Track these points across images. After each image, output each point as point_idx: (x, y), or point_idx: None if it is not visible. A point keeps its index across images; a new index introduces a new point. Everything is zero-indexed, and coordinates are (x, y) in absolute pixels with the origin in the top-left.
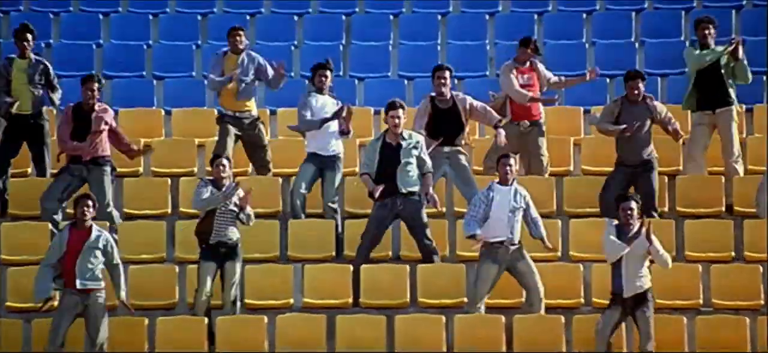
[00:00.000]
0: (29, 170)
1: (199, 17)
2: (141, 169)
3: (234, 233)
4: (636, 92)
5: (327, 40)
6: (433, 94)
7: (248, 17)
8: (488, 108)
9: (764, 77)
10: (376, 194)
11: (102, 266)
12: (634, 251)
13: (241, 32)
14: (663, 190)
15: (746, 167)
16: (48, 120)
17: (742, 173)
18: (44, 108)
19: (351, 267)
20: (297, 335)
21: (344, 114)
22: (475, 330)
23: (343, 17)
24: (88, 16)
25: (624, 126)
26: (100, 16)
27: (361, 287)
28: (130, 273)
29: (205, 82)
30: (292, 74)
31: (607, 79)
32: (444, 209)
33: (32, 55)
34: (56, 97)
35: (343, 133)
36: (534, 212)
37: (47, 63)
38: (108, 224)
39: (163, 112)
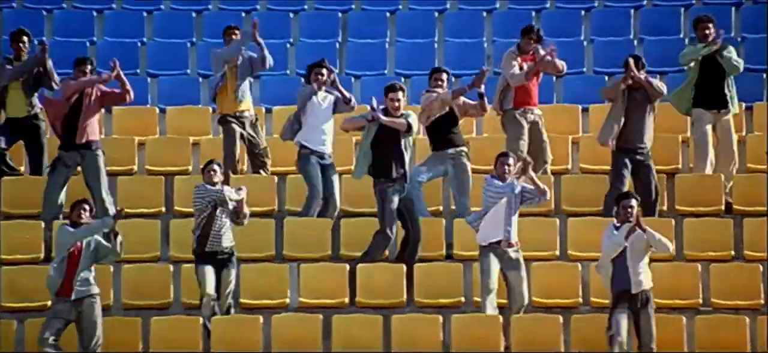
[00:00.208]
0: (22, 167)
1: (193, 14)
2: (135, 167)
3: (229, 241)
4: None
5: (323, 37)
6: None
7: (243, 14)
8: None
9: (764, 75)
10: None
11: (93, 272)
12: (635, 246)
13: (237, 31)
14: (662, 189)
15: (746, 165)
16: (44, 120)
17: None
18: (38, 108)
19: (347, 267)
20: (293, 335)
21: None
22: (473, 330)
23: (340, 14)
24: (81, 13)
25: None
26: (94, 13)
27: (358, 286)
28: (124, 272)
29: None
30: (288, 72)
31: (606, 77)
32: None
33: (27, 58)
34: (54, 82)
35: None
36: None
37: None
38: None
39: (157, 110)
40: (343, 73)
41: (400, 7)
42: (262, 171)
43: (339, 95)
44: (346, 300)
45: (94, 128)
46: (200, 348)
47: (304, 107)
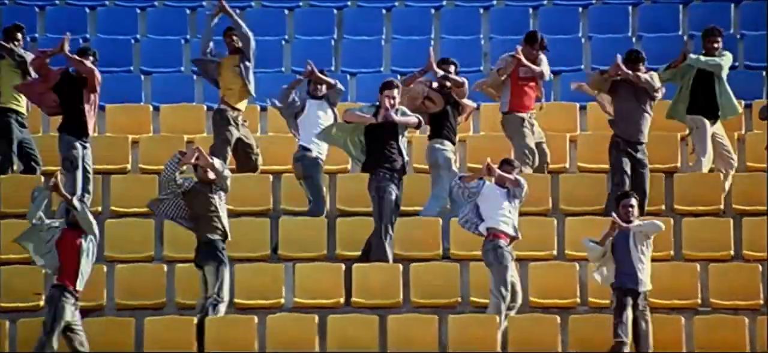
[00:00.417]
0: (15, 166)
1: (187, 11)
2: (129, 166)
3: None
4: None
5: (318, 34)
6: (436, 84)
7: (238, 12)
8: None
9: (763, 73)
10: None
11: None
12: (636, 239)
13: (236, 36)
14: (660, 188)
15: (745, 164)
16: (13, 114)
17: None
18: (25, 113)
19: (343, 266)
20: (288, 335)
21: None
22: (469, 330)
23: (335, 11)
24: (74, 10)
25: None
26: (87, 10)
27: (354, 286)
28: (117, 272)
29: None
30: (283, 69)
31: None
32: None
33: (21, 51)
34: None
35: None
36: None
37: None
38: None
39: (151, 108)
40: (339, 71)
41: (396, 3)
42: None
43: (327, 89)
44: (342, 299)
45: (91, 118)
46: (194, 349)
47: (302, 114)
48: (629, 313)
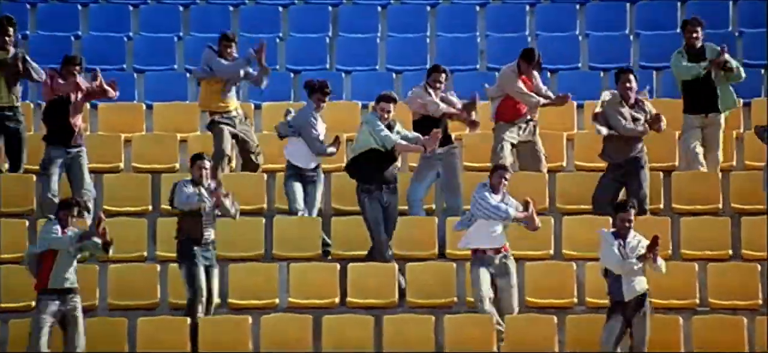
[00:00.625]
0: (6, 166)
1: (180, 8)
2: (121, 165)
3: (212, 234)
4: (628, 86)
5: (313, 31)
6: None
7: (231, 8)
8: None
9: (763, 71)
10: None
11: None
12: (633, 257)
13: (233, 44)
14: (658, 187)
15: (744, 163)
16: (24, 115)
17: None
18: (19, 105)
19: (338, 266)
20: (282, 335)
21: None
22: (465, 330)
23: (330, 8)
24: (66, 7)
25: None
26: (79, 7)
27: (349, 286)
28: (109, 272)
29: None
30: (278, 67)
31: (601, 73)
32: (433, 207)
33: (12, 49)
34: (37, 75)
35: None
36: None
37: (25, 54)
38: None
39: (144, 106)
40: (334, 69)
41: (392, 1)
42: (253, 168)
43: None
44: (337, 299)
45: (81, 128)
46: (188, 349)
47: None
48: (617, 323)
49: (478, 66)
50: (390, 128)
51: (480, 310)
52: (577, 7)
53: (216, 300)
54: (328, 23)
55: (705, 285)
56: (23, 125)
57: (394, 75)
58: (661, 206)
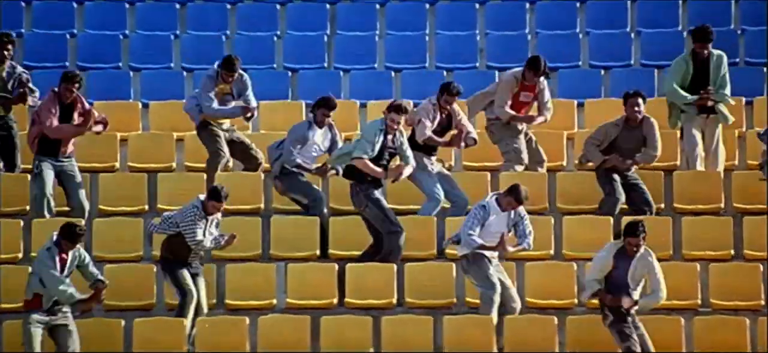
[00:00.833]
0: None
1: (177, 6)
2: (117, 164)
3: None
4: (636, 109)
5: (311, 30)
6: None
7: (229, 6)
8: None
9: (765, 69)
10: (390, 177)
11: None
12: (634, 276)
13: (235, 73)
14: (660, 187)
15: (746, 162)
16: (16, 121)
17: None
18: (11, 112)
19: (336, 266)
20: (280, 336)
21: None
22: (465, 331)
23: (328, 6)
24: (61, 5)
25: (611, 157)
26: (74, 5)
27: (347, 287)
28: (105, 272)
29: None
30: (275, 66)
31: (602, 71)
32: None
33: (8, 64)
34: (32, 99)
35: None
36: (527, 226)
37: (24, 72)
38: (82, 219)
39: (140, 105)
40: (332, 67)
41: None
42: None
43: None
44: (335, 300)
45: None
46: (184, 350)
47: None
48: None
49: (477, 64)
50: (394, 140)
51: (489, 299)
52: (578, 4)
53: (204, 309)
54: (325, 21)
55: (706, 285)
56: (15, 129)
57: (392, 74)
58: (663, 205)
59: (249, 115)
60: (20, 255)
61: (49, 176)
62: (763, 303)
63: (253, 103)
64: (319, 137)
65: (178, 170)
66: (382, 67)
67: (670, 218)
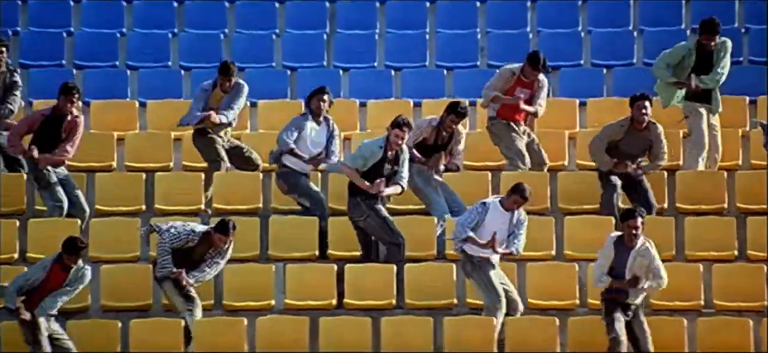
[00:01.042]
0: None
1: (175, 4)
2: (114, 163)
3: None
4: (644, 112)
5: (310, 28)
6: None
7: (227, 4)
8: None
9: (766, 68)
10: (380, 189)
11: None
12: (634, 268)
13: (232, 78)
14: (662, 186)
15: (749, 162)
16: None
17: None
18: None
19: (335, 267)
20: (278, 337)
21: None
22: (465, 332)
23: (327, 4)
24: (57, 3)
25: (615, 162)
26: (71, 3)
27: (346, 287)
28: (102, 272)
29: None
30: (273, 64)
31: (604, 70)
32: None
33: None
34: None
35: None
36: (521, 235)
37: (17, 76)
38: (79, 221)
39: (137, 104)
40: (331, 66)
41: None
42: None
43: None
44: (334, 301)
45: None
46: (181, 351)
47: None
48: (621, 315)
49: (478, 63)
50: (397, 156)
51: (495, 309)
52: (580, 3)
53: (198, 315)
54: (325, 19)
55: (709, 286)
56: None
57: (392, 72)
58: (665, 205)
59: (214, 122)
60: (16, 255)
61: (56, 187)
62: (766, 303)
63: (229, 117)
64: (315, 131)
65: (176, 169)
66: (381, 66)
67: (673, 218)
